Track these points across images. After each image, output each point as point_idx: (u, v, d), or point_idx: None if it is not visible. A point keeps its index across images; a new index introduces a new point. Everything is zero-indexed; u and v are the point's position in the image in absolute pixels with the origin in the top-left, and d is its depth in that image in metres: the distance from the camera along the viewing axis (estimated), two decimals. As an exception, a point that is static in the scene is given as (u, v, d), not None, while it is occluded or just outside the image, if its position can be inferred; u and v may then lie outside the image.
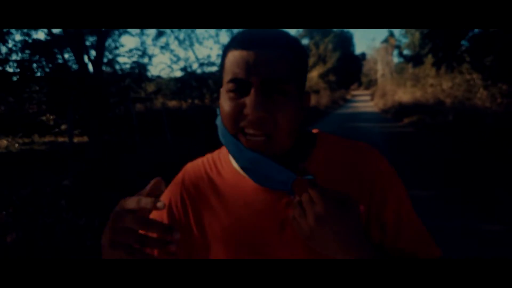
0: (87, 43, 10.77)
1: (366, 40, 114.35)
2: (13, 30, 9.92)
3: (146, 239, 0.52)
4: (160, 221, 0.55)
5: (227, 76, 0.65)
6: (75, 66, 10.69)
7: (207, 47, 58.19)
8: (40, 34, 23.64)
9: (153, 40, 12.45)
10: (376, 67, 52.23)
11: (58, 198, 3.69)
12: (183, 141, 8.48)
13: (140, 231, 0.52)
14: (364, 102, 33.70)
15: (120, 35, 11.92)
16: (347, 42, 52.07)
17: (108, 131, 10.02)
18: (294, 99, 0.66)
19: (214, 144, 0.89)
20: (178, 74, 13.33)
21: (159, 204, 0.51)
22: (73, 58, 10.57)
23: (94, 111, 8.65)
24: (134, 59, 12.21)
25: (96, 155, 6.92)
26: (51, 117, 10.46)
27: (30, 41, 10.27)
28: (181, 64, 12.96)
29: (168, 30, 12.34)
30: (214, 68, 13.46)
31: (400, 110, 17.27)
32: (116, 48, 12.17)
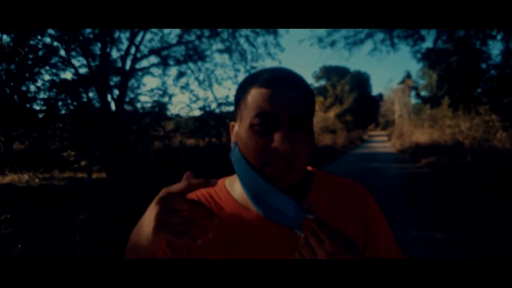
0: (111, 83, 11.24)
1: (383, 81, 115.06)
2: (43, 70, 10.47)
3: (191, 222, 0.55)
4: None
5: (251, 112, 0.69)
6: (98, 104, 11.12)
7: (225, 88, 59.66)
8: (68, 74, 24.75)
9: (174, 80, 12.92)
10: (394, 108, 52.25)
11: (73, 233, 3.76)
12: (199, 177, 8.53)
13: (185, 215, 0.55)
14: (381, 142, 33.48)
15: (142, 75, 12.42)
16: (364, 83, 52.56)
17: (126, 167, 10.21)
18: (312, 135, 0.72)
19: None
20: (197, 113, 13.66)
21: (212, 181, 0.58)
22: (96, 96, 11.01)
23: (114, 148, 8.89)
24: (155, 98, 12.61)
25: (113, 191, 7.04)
26: (72, 153, 10.75)
27: (57, 80, 10.79)
28: (200, 103, 13.28)
29: (188, 71, 12.80)
30: (231, 108, 13.76)
31: (417, 150, 17.08)
32: (138, 87, 12.65)
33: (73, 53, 10.78)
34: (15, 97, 10.09)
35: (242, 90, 0.74)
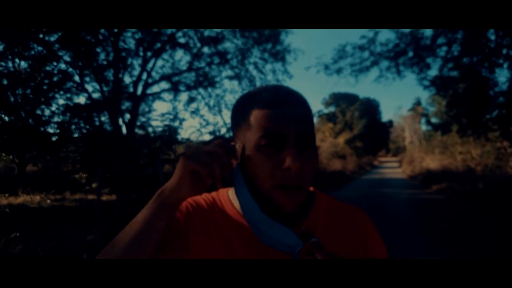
0: (123, 107, 11.52)
1: (393, 108, 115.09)
2: (57, 95, 10.79)
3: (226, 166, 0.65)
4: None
5: (256, 133, 0.68)
6: (110, 128, 11.35)
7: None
8: (81, 99, 25.34)
9: (184, 105, 13.16)
10: (404, 134, 52.06)
11: (80, 252, 3.81)
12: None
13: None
14: (392, 168, 33.20)
15: (154, 100, 12.69)
16: (374, 109, 52.69)
17: (136, 190, 10.30)
18: (316, 153, 0.72)
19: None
20: (207, 137, 13.81)
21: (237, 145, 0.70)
22: (108, 120, 11.27)
23: (124, 171, 9.01)
24: (166, 122, 12.83)
25: (121, 213, 7.10)
26: (84, 175, 10.90)
27: (71, 104, 11.08)
28: (210, 128, 13.43)
29: (199, 96, 13.06)
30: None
31: (428, 176, 16.92)
32: (149, 112, 12.91)
33: (87, 79, 11.13)
34: (30, 120, 10.36)
35: (242, 111, 0.73)
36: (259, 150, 0.68)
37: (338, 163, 22.10)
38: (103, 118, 11.49)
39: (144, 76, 11.70)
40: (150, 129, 12.88)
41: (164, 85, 15.13)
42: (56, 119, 11.13)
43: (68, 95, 11.01)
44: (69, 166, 12.20)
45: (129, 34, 11.22)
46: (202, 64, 12.59)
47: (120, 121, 11.35)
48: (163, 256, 0.71)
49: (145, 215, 0.67)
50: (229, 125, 14.25)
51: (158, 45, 11.58)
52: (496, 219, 7.47)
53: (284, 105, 0.68)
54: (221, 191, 0.82)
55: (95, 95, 11.40)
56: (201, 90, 13.02)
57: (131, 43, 11.56)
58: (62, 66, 10.57)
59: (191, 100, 12.99)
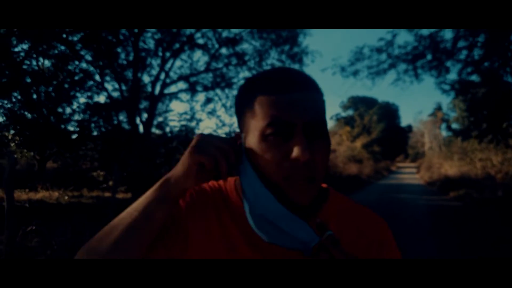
0: (141, 106, 11.71)
1: (412, 113, 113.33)
2: (78, 94, 11.06)
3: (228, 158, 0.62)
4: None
5: (262, 121, 0.63)
6: (127, 127, 11.56)
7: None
8: (101, 98, 25.82)
9: (201, 105, 13.29)
10: (423, 140, 51.21)
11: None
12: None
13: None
14: (410, 174, 32.68)
15: (171, 100, 12.87)
16: (392, 114, 51.97)
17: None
18: (329, 142, 0.66)
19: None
20: (223, 139, 13.90)
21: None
22: (126, 119, 11.47)
23: (141, 170, 9.16)
24: (183, 122, 12.97)
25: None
26: (101, 173, 11.13)
27: (91, 103, 11.35)
28: (226, 129, 13.52)
29: (216, 97, 13.16)
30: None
31: (446, 183, 16.62)
32: (166, 111, 13.09)
33: (107, 78, 11.35)
34: (51, 118, 10.64)
35: (246, 98, 0.68)
36: (265, 139, 0.63)
37: (354, 167, 21.89)
38: (121, 117, 11.70)
39: (162, 76, 11.89)
40: (167, 129, 13.06)
41: (181, 85, 15.36)
42: (76, 117, 11.42)
43: (89, 93, 11.30)
44: (87, 163, 12.47)
45: (149, 34, 11.43)
46: (220, 65, 12.71)
47: (138, 120, 11.55)
48: (160, 244, 0.68)
49: (145, 203, 0.65)
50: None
51: (177, 45, 11.76)
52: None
53: (291, 90, 0.62)
54: (229, 180, 0.78)
55: (114, 94, 11.63)
56: (218, 91, 13.14)
57: (151, 43, 11.78)
58: (84, 65, 10.84)
59: (208, 100, 13.13)
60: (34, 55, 9.70)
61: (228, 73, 12.98)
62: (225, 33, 12.06)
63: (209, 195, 0.74)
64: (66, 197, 8.68)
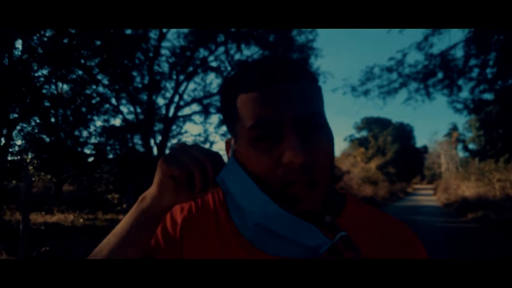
0: (155, 129, 11.91)
1: (427, 133, 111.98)
2: (95, 117, 11.31)
3: (204, 169, 0.53)
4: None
5: (245, 123, 0.54)
6: (141, 149, 11.73)
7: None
8: (117, 121, 26.26)
9: (215, 128, 13.43)
10: (440, 161, 50.41)
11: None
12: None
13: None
14: (426, 196, 32.02)
15: (185, 121, 13.07)
16: (407, 134, 51.51)
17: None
18: (329, 135, 0.56)
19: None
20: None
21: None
22: (140, 142, 11.66)
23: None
24: (197, 144, 13.12)
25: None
26: (116, 196, 11.25)
27: (107, 126, 11.60)
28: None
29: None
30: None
31: (463, 204, 16.22)
32: (180, 133, 13.27)
33: (123, 101, 11.61)
34: (68, 141, 10.87)
35: (228, 99, 0.58)
36: (253, 144, 0.53)
37: (369, 189, 21.58)
38: (136, 139, 11.89)
39: (176, 98, 12.12)
40: (181, 151, 13.19)
41: (195, 107, 15.58)
42: (92, 140, 11.66)
43: (105, 117, 11.58)
44: (102, 186, 12.63)
45: (163, 58, 11.73)
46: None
47: (152, 142, 11.72)
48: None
49: (125, 225, 0.58)
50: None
51: (191, 68, 12.02)
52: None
53: (274, 81, 0.53)
54: (217, 191, 0.67)
55: (130, 117, 11.86)
56: (231, 113, 13.28)
57: (165, 67, 12.08)
58: (101, 89, 11.14)
59: (222, 122, 13.27)
60: (53, 80, 10.02)
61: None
62: (237, 56, 12.31)
63: (210, 209, 0.66)
64: (81, 220, 8.77)
